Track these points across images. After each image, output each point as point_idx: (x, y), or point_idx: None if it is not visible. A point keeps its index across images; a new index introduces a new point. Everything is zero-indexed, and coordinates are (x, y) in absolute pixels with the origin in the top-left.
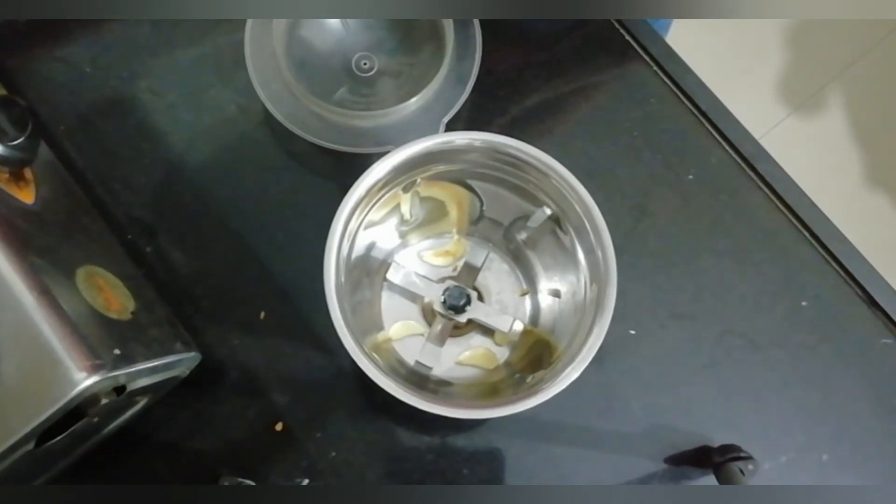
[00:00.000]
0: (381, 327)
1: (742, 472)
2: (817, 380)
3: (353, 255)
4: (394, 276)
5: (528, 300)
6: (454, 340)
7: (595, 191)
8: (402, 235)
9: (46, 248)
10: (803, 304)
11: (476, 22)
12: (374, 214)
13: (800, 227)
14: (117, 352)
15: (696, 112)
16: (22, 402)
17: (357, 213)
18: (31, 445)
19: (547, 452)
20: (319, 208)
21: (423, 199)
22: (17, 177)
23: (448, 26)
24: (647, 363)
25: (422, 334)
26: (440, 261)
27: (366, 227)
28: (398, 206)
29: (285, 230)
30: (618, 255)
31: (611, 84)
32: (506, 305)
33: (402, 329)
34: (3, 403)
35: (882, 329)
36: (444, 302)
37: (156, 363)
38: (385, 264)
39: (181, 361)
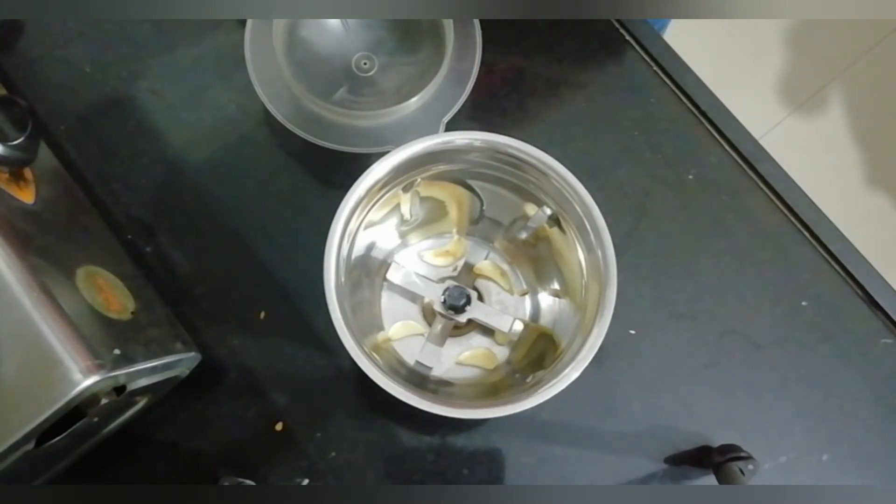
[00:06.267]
0: (381, 327)
1: (742, 472)
2: (817, 380)
3: (353, 255)
4: (394, 276)
5: (528, 300)
6: (454, 340)
7: (595, 191)
8: (402, 235)
9: (46, 248)
10: (803, 304)
11: (476, 22)
12: (374, 214)
13: (800, 227)
14: (117, 352)
15: (696, 112)
16: (22, 402)
17: (357, 213)
18: (31, 445)
19: (547, 452)
20: (319, 208)
21: (423, 199)
22: (17, 177)
23: (448, 26)
24: (647, 363)
25: (422, 334)
26: (440, 261)
27: (366, 227)
28: (398, 206)
29: (285, 230)
30: (618, 255)
31: (611, 84)
32: (506, 305)
33: (402, 329)
34: (3, 403)
35: (882, 329)
36: (444, 302)
37: (156, 363)
38: (385, 264)
39: (181, 361)
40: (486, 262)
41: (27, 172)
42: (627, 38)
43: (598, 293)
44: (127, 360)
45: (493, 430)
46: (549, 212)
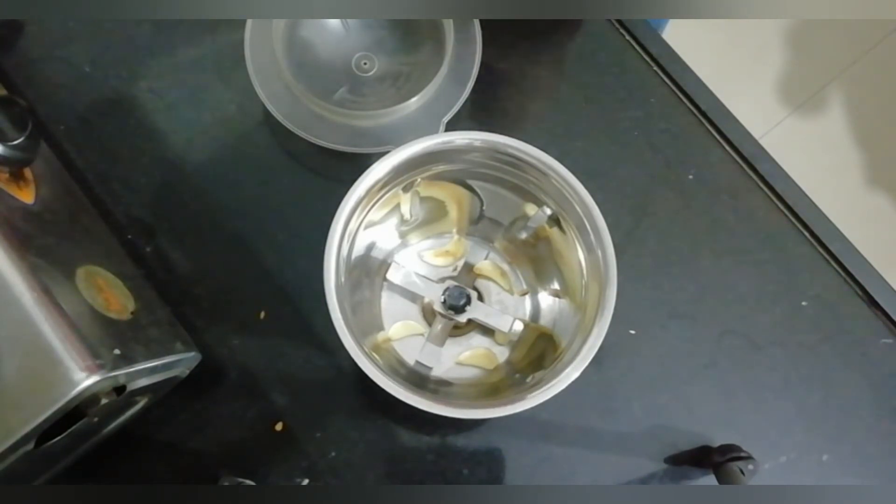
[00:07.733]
0: (381, 327)
1: (742, 472)
2: (817, 380)
3: (353, 255)
4: (394, 276)
5: (528, 300)
6: (454, 340)
7: (595, 191)
8: (402, 235)
9: (46, 248)
10: (803, 304)
11: (476, 22)
12: (374, 214)
13: (800, 227)
14: (117, 352)
15: (696, 112)
16: (22, 402)
17: (357, 213)
18: (30, 445)
19: (547, 452)
20: (319, 208)
21: (423, 199)
22: (17, 177)
23: (448, 26)
24: (647, 363)
25: (422, 334)
26: (440, 261)
27: (366, 227)
28: (398, 206)
29: (285, 230)
30: (618, 255)
31: (611, 84)
32: (506, 305)
33: (402, 329)
34: (3, 403)
35: (882, 329)
36: (444, 302)
37: (156, 363)
38: (385, 264)
39: (181, 361)
40: (486, 262)
41: (27, 172)
42: (627, 38)
43: (598, 293)
44: (127, 360)
45: (493, 430)
46: (549, 212)
